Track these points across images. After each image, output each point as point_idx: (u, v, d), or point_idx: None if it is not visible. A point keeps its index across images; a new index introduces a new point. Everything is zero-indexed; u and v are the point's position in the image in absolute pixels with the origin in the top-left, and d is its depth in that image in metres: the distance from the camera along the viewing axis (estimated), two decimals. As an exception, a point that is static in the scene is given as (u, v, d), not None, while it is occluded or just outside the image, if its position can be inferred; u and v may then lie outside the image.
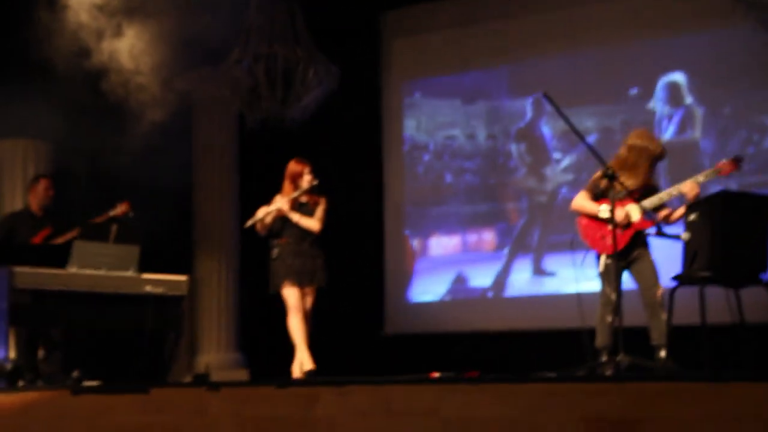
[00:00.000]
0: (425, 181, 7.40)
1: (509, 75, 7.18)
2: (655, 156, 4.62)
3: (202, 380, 4.70)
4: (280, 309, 7.16)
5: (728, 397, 2.92)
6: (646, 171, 4.61)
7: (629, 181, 4.56)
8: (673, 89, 6.49)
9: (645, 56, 6.56)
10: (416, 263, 7.34)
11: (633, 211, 4.60)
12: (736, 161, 4.52)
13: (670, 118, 6.47)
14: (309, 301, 5.39)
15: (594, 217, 4.63)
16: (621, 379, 3.26)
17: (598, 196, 4.64)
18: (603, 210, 4.58)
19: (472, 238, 7.15)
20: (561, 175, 6.88)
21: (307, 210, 5.49)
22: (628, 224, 4.56)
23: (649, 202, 4.60)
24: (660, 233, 4.48)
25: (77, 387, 4.25)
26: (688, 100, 6.42)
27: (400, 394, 3.41)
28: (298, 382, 3.76)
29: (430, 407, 3.32)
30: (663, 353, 4.42)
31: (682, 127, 6.39)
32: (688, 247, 4.12)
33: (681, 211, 4.58)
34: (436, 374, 4.09)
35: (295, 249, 5.42)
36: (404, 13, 7.63)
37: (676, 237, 4.22)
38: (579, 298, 4.46)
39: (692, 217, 4.16)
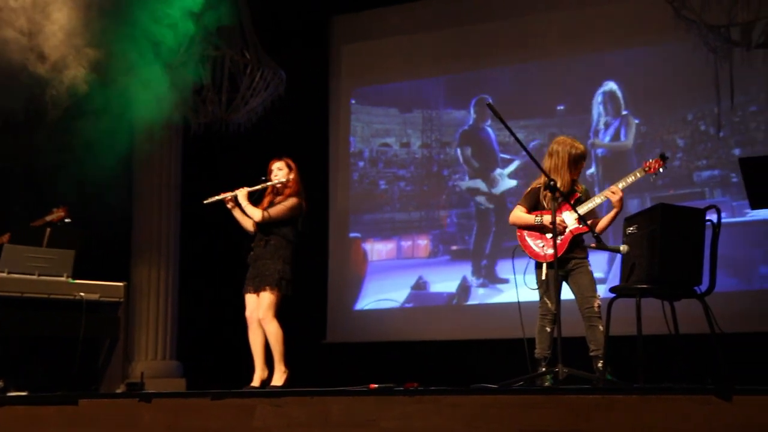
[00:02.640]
0: (359, 188, 7.36)
1: (447, 84, 7.21)
2: (577, 155, 4.64)
3: (133, 391, 4.57)
4: (220, 317, 7.05)
5: (660, 410, 2.95)
6: (568, 170, 4.62)
7: (568, 178, 4.61)
8: (612, 99, 6.59)
9: (584, 68, 6.69)
10: (359, 271, 7.30)
11: (567, 218, 4.63)
12: (662, 159, 4.56)
13: (607, 126, 6.57)
14: (262, 306, 5.27)
15: (532, 228, 4.66)
16: (558, 392, 3.27)
17: (533, 208, 4.67)
18: (537, 219, 4.61)
19: (407, 244, 7.16)
20: (509, 180, 6.93)
21: (272, 207, 5.40)
22: (564, 231, 4.58)
23: (584, 209, 4.62)
24: (599, 246, 4.50)
25: (1, 398, 4.09)
26: (625, 110, 6.54)
27: (338, 405, 3.36)
28: (234, 394, 3.68)
29: (368, 419, 3.28)
30: (600, 364, 4.44)
31: (617, 135, 6.50)
32: (626, 259, 4.16)
33: (606, 221, 4.63)
34: (375, 385, 4.05)
35: (255, 254, 5.36)
36: (354, 18, 7.59)
37: (615, 250, 4.25)
38: (519, 308, 4.47)
39: (630, 229, 4.19)
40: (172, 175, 7.32)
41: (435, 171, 7.17)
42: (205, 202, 5.41)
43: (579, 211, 4.57)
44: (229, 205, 5.40)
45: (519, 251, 4.66)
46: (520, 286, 4.51)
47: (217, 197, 5.38)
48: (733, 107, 6.04)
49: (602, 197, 4.60)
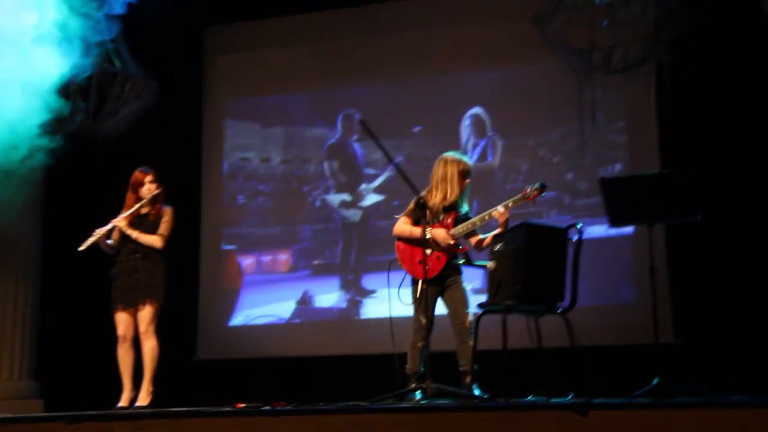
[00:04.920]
0: (232, 201, 7.23)
1: (311, 100, 7.16)
2: (464, 171, 4.68)
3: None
4: (82, 335, 6.71)
5: (521, 424, 2.99)
6: (459, 186, 4.66)
7: (442, 197, 4.63)
8: (478, 121, 6.71)
9: (451, 89, 6.73)
10: (233, 285, 7.11)
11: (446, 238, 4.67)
12: (541, 188, 4.61)
13: (474, 147, 6.68)
14: (143, 321, 5.09)
15: (412, 242, 4.64)
16: (425, 409, 3.27)
17: (418, 222, 4.64)
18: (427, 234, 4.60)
19: (267, 259, 7.06)
20: (375, 194, 6.91)
21: (147, 222, 5.21)
22: (441, 249, 4.60)
23: (461, 229, 4.65)
24: (467, 262, 4.55)
25: None
26: (490, 132, 6.65)
27: (201, 427, 3.24)
28: (91, 417, 3.48)
29: (232, 441, 3.17)
30: (469, 379, 4.48)
31: (483, 155, 6.59)
32: (493, 276, 4.21)
33: (490, 238, 4.64)
34: (242, 405, 3.93)
35: (126, 267, 5.14)
36: (229, 29, 7.44)
37: (482, 266, 4.31)
38: (391, 323, 4.46)
39: (497, 247, 4.26)
40: (33, 191, 6.93)
41: (295, 186, 7.11)
42: (80, 248, 5.10)
43: (460, 230, 4.62)
44: (102, 239, 5.15)
45: (395, 265, 4.63)
46: (393, 301, 4.49)
47: (92, 239, 5.10)
48: (596, 130, 6.26)
49: (486, 217, 4.60)
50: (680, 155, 5.96)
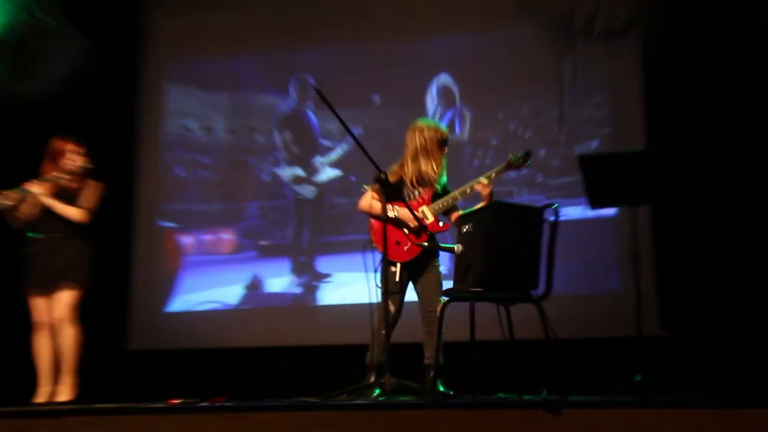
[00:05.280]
0: (170, 173, 7.12)
1: (261, 64, 7.06)
2: (442, 140, 4.70)
3: None
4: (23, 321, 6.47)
5: (488, 425, 2.95)
6: (439, 156, 4.68)
7: (417, 169, 4.64)
8: (446, 90, 6.66)
9: (416, 55, 6.68)
10: (172, 266, 7.01)
11: (427, 213, 4.65)
12: (526, 156, 4.62)
13: (441, 117, 6.62)
14: (60, 306, 4.95)
15: (384, 220, 4.59)
16: (381, 407, 3.21)
17: (389, 198, 4.59)
18: (392, 213, 4.60)
19: (208, 238, 6.98)
20: (330, 169, 6.85)
21: (69, 196, 5.05)
22: (421, 228, 4.56)
23: (440, 204, 4.64)
24: (432, 245, 4.51)
25: None
26: (459, 102, 6.62)
27: (129, 425, 3.14)
28: (5, 414, 3.34)
29: (162, 442, 3.07)
30: (433, 373, 4.47)
31: (451, 128, 6.53)
32: (460, 260, 4.16)
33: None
34: (176, 401, 3.82)
35: (45, 247, 4.98)
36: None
37: (449, 249, 4.25)
38: (372, 311, 4.46)
39: (465, 228, 4.19)
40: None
41: (241, 157, 7.01)
42: None
43: (439, 206, 4.62)
44: (7, 203, 4.97)
45: (370, 246, 4.62)
46: (363, 286, 4.44)
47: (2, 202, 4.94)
48: (573, 104, 6.23)
49: (468, 190, 4.61)
50: (667, 132, 5.97)
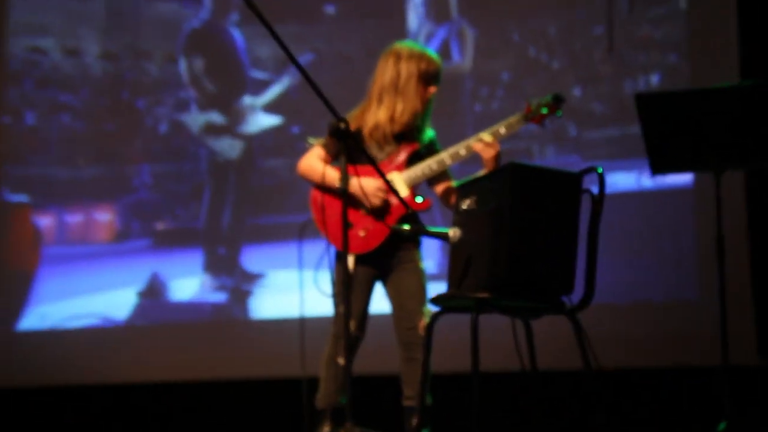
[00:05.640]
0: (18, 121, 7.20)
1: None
2: (429, 73, 4.73)
3: None
4: None
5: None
6: (418, 98, 4.72)
7: (389, 116, 4.69)
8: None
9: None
10: (26, 263, 7.09)
11: (399, 184, 4.68)
12: (556, 102, 4.67)
13: (429, 38, 6.62)
14: None
15: (334, 192, 4.61)
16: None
17: (349, 157, 4.59)
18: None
19: (74, 220, 7.03)
20: (265, 115, 6.86)
21: None
22: (382, 209, 4.60)
23: (420, 170, 4.69)
24: (415, 229, 4.50)
25: None
26: (456, 15, 6.68)
27: None
28: None
29: None
30: (416, 420, 4.49)
31: (445, 53, 6.57)
32: (456, 251, 4.17)
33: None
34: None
35: None
36: None
37: (440, 235, 4.25)
38: (302, 327, 4.48)
39: (466, 204, 4.20)
40: None
41: (125, 98, 7.00)
42: None
43: (413, 173, 4.69)
44: None
45: (311, 228, 4.66)
46: (308, 290, 4.47)
47: None
48: (622, 18, 6.25)
49: (464, 151, 4.65)
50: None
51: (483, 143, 4.59)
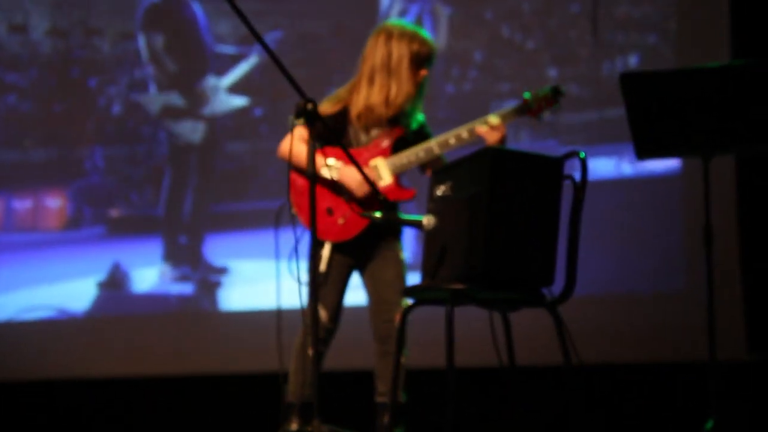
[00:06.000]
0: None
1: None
2: (422, 56, 4.77)
3: None
4: None
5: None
6: (411, 81, 4.75)
7: (396, 96, 4.70)
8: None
9: None
10: None
11: (383, 169, 4.70)
12: (554, 95, 4.72)
13: (401, 14, 6.61)
14: None
15: (313, 177, 4.58)
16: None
17: (326, 140, 4.67)
18: (330, 166, 4.67)
19: (23, 206, 7.06)
20: (229, 96, 6.82)
21: None
22: (373, 194, 4.56)
23: (407, 157, 4.70)
24: (387, 218, 4.47)
25: None
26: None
27: None
28: None
29: None
30: (387, 418, 4.55)
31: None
32: (430, 240, 4.14)
33: None
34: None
35: None
36: None
37: (414, 223, 4.22)
38: (279, 318, 4.48)
39: (441, 190, 4.18)
40: None
41: (76, 77, 6.94)
42: None
43: (398, 160, 4.72)
44: None
45: (288, 212, 4.60)
46: (283, 280, 4.46)
47: None
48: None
49: (466, 134, 4.66)
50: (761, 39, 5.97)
51: (490, 126, 4.61)
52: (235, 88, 6.85)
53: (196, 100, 6.90)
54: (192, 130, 6.88)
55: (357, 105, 4.73)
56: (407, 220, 4.37)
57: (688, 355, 5.42)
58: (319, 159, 4.60)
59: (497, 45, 6.50)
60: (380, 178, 4.68)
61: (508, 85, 6.58)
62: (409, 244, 6.11)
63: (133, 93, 6.98)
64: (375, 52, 4.75)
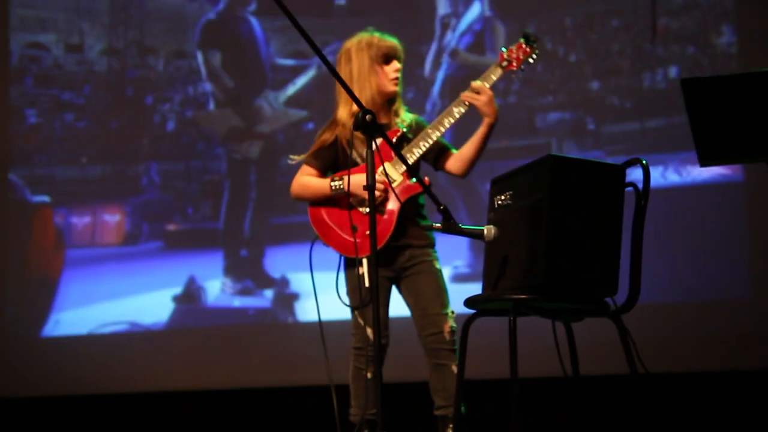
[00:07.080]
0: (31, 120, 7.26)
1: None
2: (383, 53, 4.81)
3: None
4: None
5: None
6: (380, 73, 4.80)
7: (366, 96, 4.75)
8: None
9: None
10: (50, 266, 7.19)
11: (392, 172, 4.73)
12: (527, 41, 4.79)
13: (463, 33, 6.72)
14: None
15: (329, 203, 4.70)
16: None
17: (330, 165, 4.78)
18: (337, 183, 4.71)
19: (81, 222, 7.13)
20: (289, 110, 6.86)
21: None
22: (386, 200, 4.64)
23: (410, 152, 4.68)
24: (448, 227, 4.40)
25: None
26: (489, 11, 6.77)
27: None
28: None
29: None
30: (451, 429, 4.49)
31: (479, 48, 6.68)
32: (492, 250, 4.12)
33: (473, 146, 4.76)
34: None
35: None
36: None
37: (474, 234, 4.19)
38: (322, 332, 4.51)
39: (501, 199, 4.15)
40: None
41: (131, 95, 6.99)
42: None
43: (409, 156, 4.66)
44: None
45: (319, 242, 4.72)
46: (328, 298, 4.50)
47: None
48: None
49: (457, 111, 4.68)
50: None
51: (473, 91, 4.63)
52: (290, 102, 6.85)
53: (254, 115, 6.92)
54: (249, 147, 6.91)
55: (346, 123, 4.77)
56: (468, 230, 4.33)
57: (754, 362, 5.37)
58: (322, 182, 4.72)
59: (540, 58, 6.52)
60: (393, 180, 4.69)
61: (552, 97, 6.67)
62: (464, 253, 6.10)
63: (188, 110, 7.01)
64: (343, 73, 4.78)
